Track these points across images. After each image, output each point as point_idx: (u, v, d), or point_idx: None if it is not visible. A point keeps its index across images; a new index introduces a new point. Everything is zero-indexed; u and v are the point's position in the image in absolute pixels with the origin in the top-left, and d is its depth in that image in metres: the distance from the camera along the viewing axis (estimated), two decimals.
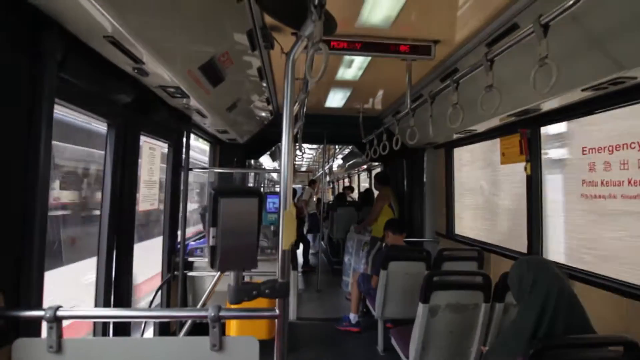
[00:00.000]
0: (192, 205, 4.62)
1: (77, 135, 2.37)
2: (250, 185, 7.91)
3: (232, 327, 2.84)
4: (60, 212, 2.28)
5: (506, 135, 3.01)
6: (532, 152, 2.71)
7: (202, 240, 3.57)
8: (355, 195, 9.68)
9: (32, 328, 1.26)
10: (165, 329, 2.72)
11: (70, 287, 2.23)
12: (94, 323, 1.95)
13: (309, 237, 7.41)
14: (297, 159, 7.63)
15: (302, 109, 3.31)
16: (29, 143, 1.23)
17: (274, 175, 13.01)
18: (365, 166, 8.45)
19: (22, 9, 1.16)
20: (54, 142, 1.35)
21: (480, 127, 3.15)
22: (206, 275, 3.21)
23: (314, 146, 8.10)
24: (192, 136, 3.18)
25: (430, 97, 2.49)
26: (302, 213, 7.06)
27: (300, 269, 5.89)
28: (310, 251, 6.98)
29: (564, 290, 1.38)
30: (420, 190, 4.61)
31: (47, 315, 1.05)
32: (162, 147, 2.71)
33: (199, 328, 1.43)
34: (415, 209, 4.67)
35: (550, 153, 2.71)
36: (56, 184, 2.22)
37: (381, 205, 4.60)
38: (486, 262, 3.15)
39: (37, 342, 1.08)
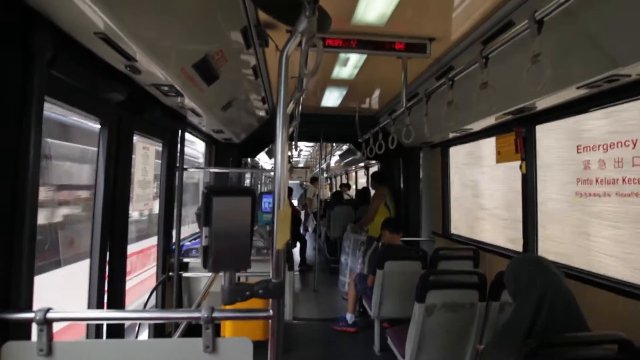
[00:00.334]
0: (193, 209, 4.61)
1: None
2: (247, 184, 7.88)
3: (228, 328, 2.82)
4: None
5: (502, 133, 3.02)
6: (527, 151, 2.72)
7: (197, 240, 3.54)
8: (352, 192, 9.69)
9: (22, 331, 1.24)
10: (160, 330, 2.68)
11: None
12: (87, 325, 1.92)
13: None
14: (294, 156, 7.59)
15: (297, 108, 3.29)
16: (18, 142, 1.21)
17: (272, 173, 12.84)
18: (362, 164, 8.46)
19: (11, 5, 1.14)
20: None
21: (476, 126, 3.15)
22: (201, 276, 3.18)
23: (311, 143, 8.09)
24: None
25: (425, 95, 2.49)
26: (297, 213, 7.04)
27: (297, 268, 5.88)
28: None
29: (560, 287, 1.38)
30: (416, 189, 4.61)
31: (37, 317, 1.03)
32: (157, 146, 2.68)
33: (194, 329, 1.41)
34: (411, 208, 4.66)
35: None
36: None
37: (377, 204, 4.60)
38: (482, 261, 3.16)
39: (27, 345, 1.06)
